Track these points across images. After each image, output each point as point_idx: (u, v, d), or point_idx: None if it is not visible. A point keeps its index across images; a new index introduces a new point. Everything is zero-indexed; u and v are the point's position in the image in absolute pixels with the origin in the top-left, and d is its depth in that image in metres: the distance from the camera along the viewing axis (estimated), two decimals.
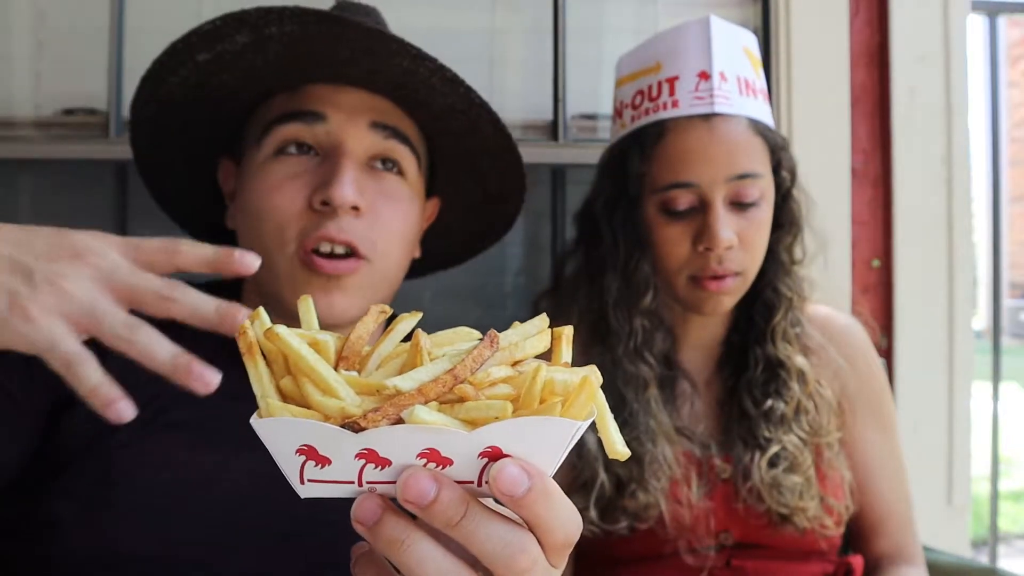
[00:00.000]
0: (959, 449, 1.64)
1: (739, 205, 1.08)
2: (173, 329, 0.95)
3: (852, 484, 1.14)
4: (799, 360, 1.14)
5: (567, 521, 0.47)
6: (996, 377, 2.13)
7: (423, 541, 0.45)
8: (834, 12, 1.62)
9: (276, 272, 0.89)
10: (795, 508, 1.06)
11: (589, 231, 1.21)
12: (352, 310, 0.90)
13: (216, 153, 1.03)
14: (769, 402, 1.12)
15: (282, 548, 0.81)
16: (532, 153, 1.55)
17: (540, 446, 0.45)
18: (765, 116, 1.13)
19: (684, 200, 1.08)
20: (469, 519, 0.44)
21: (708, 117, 1.08)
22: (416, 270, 1.18)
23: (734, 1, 1.66)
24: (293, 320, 0.86)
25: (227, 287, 1.04)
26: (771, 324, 1.14)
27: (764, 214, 1.11)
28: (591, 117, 1.63)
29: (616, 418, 1.14)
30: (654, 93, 1.12)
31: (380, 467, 0.44)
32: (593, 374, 0.47)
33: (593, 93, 1.62)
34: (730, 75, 1.10)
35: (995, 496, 2.16)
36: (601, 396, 0.48)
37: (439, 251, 1.16)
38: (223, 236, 1.09)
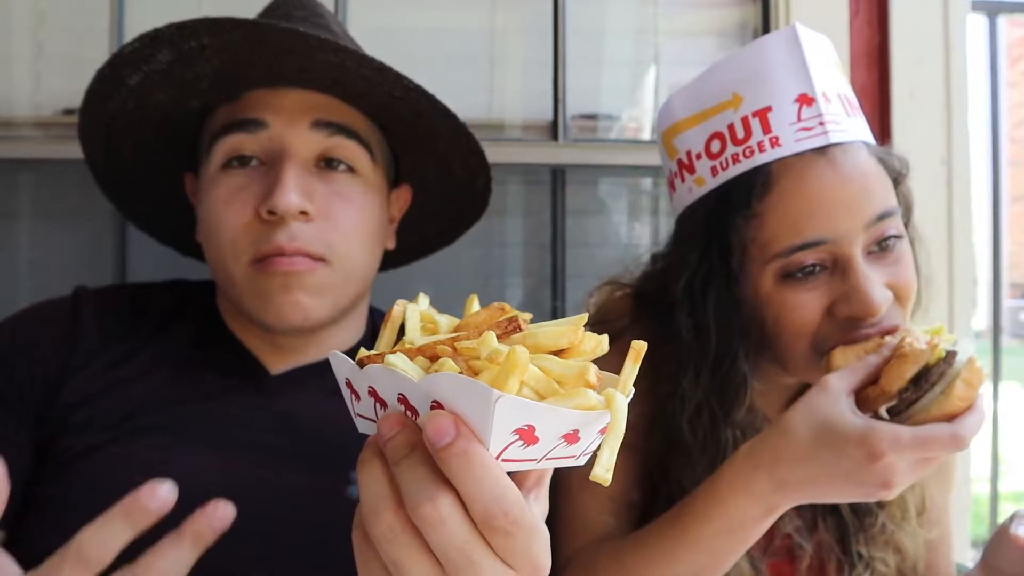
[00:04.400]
0: None
1: (879, 245, 0.87)
2: (159, 331, 0.96)
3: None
4: None
5: (487, 496, 0.46)
6: (996, 377, 2.13)
7: (376, 468, 0.50)
8: (834, 12, 1.61)
9: (235, 282, 0.89)
10: None
11: (659, 321, 0.96)
12: (321, 310, 0.89)
13: (180, 168, 1.02)
14: (866, 507, 0.97)
15: (252, 548, 0.81)
16: (532, 153, 1.55)
17: (470, 409, 0.45)
18: (871, 137, 0.93)
19: (811, 258, 0.86)
20: (407, 461, 0.48)
21: (824, 150, 0.86)
22: (399, 259, 1.17)
23: (734, 1, 1.66)
24: (255, 323, 0.91)
25: (200, 286, 1.03)
26: None
27: (907, 249, 0.90)
28: (591, 117, 1.63)
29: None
30: (740, 134, 0.88)
31: (383, 408, 0.51)
32: (524, 354, 0.45)
33: (593, 93, 1.62)
34: (832, 94, 0.89)
35: (995, 497, 2.16)
36: (622, 416, 0.47)
37: (419, 237, 1.14)
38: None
